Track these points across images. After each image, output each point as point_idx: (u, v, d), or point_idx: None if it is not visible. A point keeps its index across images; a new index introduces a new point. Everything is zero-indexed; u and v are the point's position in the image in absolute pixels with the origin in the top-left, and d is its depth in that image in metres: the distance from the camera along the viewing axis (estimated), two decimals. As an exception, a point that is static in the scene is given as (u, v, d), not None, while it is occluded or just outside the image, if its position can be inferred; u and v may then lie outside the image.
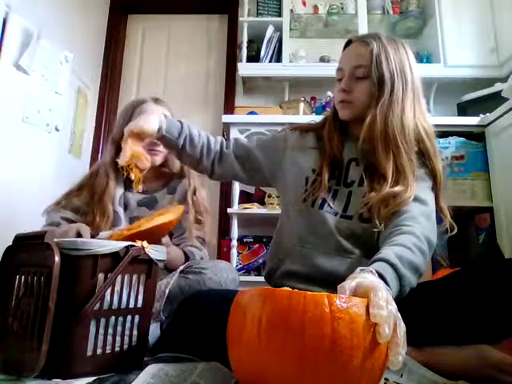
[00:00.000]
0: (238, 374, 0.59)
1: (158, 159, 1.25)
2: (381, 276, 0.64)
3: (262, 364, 0.52)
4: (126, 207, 1.26)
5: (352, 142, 1.01)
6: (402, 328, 0.54)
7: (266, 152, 1.07)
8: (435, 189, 0.95)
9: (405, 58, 0.96)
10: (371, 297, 0.54)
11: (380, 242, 0.85)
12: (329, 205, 0.96)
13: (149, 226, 0.95)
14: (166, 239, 1.07)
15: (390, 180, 0.88)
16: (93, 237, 1.00)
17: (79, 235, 1.01)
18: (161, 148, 1.22)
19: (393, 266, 0.68)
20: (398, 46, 0.96)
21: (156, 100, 1.30)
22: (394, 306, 0.55)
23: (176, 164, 1.31)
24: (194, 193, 1.28)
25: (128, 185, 1.26)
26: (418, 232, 0.78)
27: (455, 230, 0.93)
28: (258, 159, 1.07)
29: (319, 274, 0.93)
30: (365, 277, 0.60)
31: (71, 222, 1.20)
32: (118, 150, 1.26)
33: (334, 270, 0.91)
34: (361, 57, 0.95)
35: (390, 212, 0.86)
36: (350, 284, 0.57)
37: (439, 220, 0.93)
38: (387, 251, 0.72)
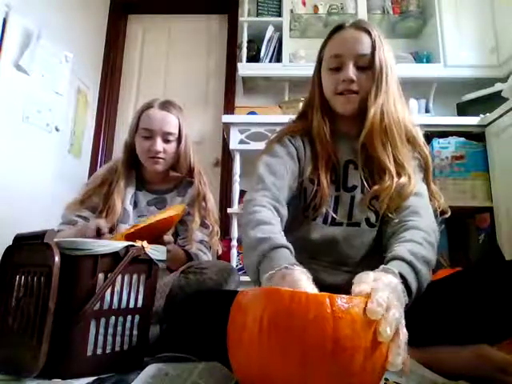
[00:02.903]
0: (238, 374, 0.59)
1: (160, 167, 1.26)
2: (402, 277, 0.64)
3: (263, 364, 0.52)
4: (135, 205, 1.27)
5: (345, 140, 0.95)
6: (403, 334, 0.54)
7: (294, 176, 0.94)
8: (426, 176, 0.94)
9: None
10: (371, 294, 0.54)
11: (386, 239, 0.85)
12: (332, 216, 0.91)
13: (148, 222, 0.95)
14: (168, 237, 1.07)
15: (393, 172, 0.86)
16: (111, 230, 1.02)
17: (98, 230, 1.03)
18: (162, 155, 1.24)
19: (409, 263, 0.68)
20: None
21: (164, 105, 1.26)
22: (398, 311, 0.54)
23: (185, 168, 1.32)
24: (204, 198, 1.29)
25: (139, 185, 1.30)
26: (423, 226, 0.78)
27: (449, 213, 0.93)
28: (292, 188, 0.93)
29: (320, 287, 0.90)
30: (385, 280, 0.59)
31: (87, 220, 1.22)
32: (130, 152, 1.29)
33: (335, 284, 0.87)
34: (364, 45, 0.89)
35: (401, 202, 0.85)
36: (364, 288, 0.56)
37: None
38: (400, 248, 0.72)
